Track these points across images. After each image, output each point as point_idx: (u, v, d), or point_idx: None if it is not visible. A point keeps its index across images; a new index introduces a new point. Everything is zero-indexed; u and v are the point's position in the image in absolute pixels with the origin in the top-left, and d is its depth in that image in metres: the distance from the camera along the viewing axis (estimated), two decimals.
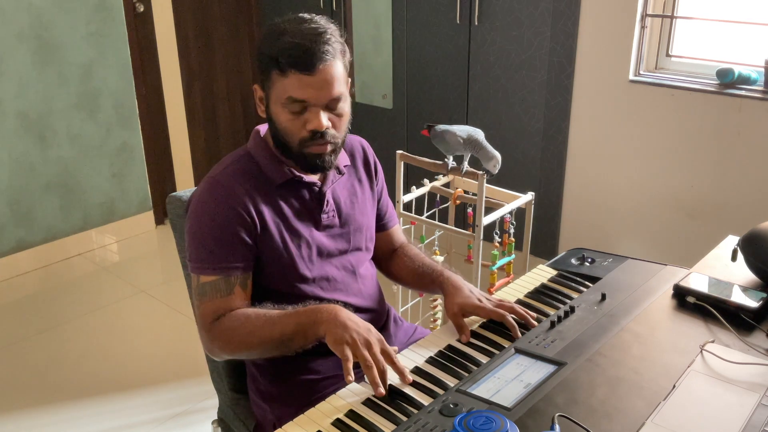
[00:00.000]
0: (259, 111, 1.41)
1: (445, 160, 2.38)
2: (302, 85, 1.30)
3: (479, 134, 2.27)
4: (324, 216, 1.46)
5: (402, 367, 1.25)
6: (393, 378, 1.28)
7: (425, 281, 1.58)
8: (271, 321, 1.31)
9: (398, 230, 1.70)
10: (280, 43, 1.29)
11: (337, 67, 1.32)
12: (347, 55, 1.36)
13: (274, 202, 1.40)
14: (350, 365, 1.20)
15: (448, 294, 1.48)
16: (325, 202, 1.46)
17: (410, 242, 1.72)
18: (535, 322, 1.40)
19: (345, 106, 1.37)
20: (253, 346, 1.33)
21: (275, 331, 1.30)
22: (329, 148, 1.37)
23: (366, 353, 1.22)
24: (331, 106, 1.34)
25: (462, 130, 2.28)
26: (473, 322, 1.44)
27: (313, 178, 1.45)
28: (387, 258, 1.67)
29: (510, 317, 1.39)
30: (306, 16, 1.34)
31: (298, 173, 1.42)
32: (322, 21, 1.34)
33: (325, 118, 1.33)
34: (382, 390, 1.20)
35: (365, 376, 1.22)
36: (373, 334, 1.27)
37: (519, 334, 1.36)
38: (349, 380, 1.19)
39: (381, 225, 1.65)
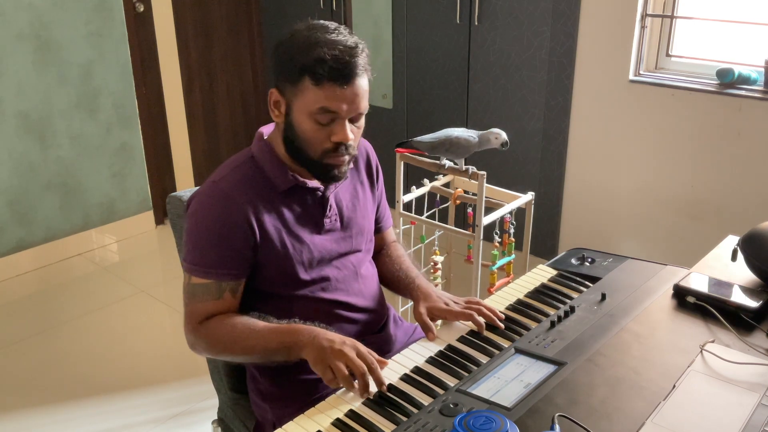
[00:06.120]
0: (273, 116, 1.40)
1: (442, 161, 2.37)
2: (336, 97, 1.30)
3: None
4: (327, 220, 1.46)
5: (380, 376, 1.25)
6: (391, 377, 1.28)
7: (400, 286, 1.61)
8: (256, 334, 1.34)
9: (390, 231, 1.72)
10: (318, 53, 1.28)
11: (366, 81, 1.34)
12: (370, 71, 1.37)
13: (276, 209, 1.40)
14: (334, 383, 1.24)
15: (416, 300, 1.51)
16: (328, 207, 1.46)
17: (401, 242, 1.73)
18: (501, 324, 1.42)
19: (363, 121, 1.39)
20: (236, 353, 1.37)
21: (258, 345, 1.34)
22: (347, 159, 1.39)
23: (339, 364, 1.24)
24: (355, 119, 1.36)
25: (464, 132, 2.27)
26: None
27: (316, 183, 1.45)
28: (374, 255, 1.68)
29: (477, 317, 1.42)
30: (330, 25, 1.34)
31: (301, 179, 1.42)
32: (347, 32, 1.34)
33: (350, 131, 1.35)
34: (368, 394, 1.22)
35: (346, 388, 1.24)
36: (348, 343, 1.28)
37: (485, 331, 1.41)
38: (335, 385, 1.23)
39: (377, 228, 1.66)
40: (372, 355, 1.27)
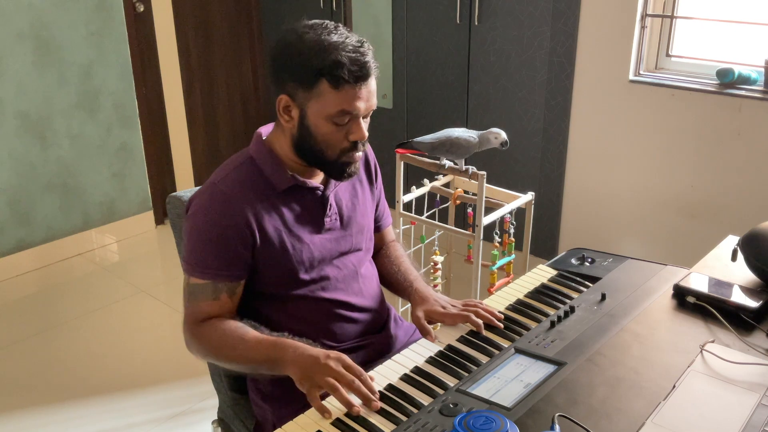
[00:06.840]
0: (283, 121, 1.38)
1: (442, 161, 2.37)
2: (355, 98, 1.31)
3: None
4: (327, 220, 1.46)
5: (371, 386, 1.21)
6: (391, 377, 1.28)
7: (398, 288, 1.61)
8: (244, 344, 1.33)
9: (390, 230, 1.72)
10: (334, 56, 1.28)
11: (374, 78, 1.35)
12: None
13: (276, 209, 1.40)
14: (319, 403, 1.19)
15: (414, 303, 1.52)
16: (328, 206, 1.46)
17: (400, 242, 1.73)
18: (500, 323, 1.42)
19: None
20: (224, 360, 1.37)
21: (245, 355, 1.33)
22: (361, 155, 1.40)
23: (328, 379, 1.21)
24: (366, 115, 1.37)
25: (464, 132, 2.28)
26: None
27: (316, 182, 1.45)
28: (374, 254, 1.68)
29: (474, 318, 1.42)
30: (329, 24, 1.33)
31: (301, 178, 1.43)
32: (345, 29, 1.34)
33: (365, 128, 1.36)
34: (358, 409, 1.18)
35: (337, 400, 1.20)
36: (332, 356, 1.25)
37: (483, 331, 1.40)
38: (326, 417, 1.17)
39: (376, 226, 1.66)
40: (354, 367, 1.24)
